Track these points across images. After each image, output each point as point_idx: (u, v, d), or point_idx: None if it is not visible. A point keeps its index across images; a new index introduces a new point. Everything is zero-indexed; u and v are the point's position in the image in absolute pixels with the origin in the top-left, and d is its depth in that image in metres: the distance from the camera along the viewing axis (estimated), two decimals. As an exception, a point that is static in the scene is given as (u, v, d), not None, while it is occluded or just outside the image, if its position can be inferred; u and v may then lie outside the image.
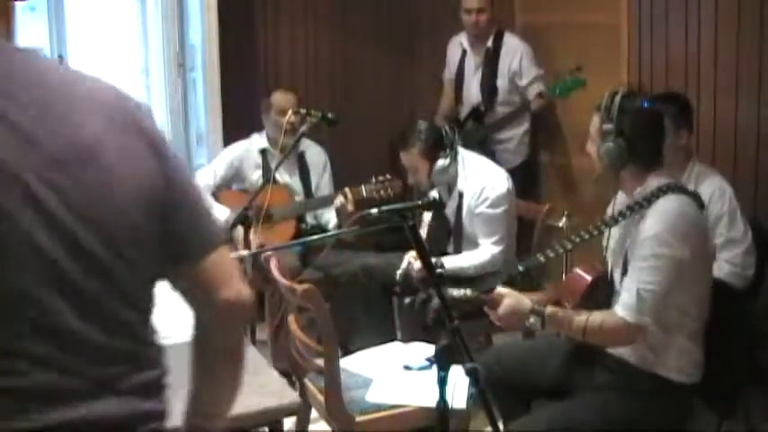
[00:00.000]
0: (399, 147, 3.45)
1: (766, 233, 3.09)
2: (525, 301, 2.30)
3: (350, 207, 3.67)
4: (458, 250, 3.48)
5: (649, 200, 2.27)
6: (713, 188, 2.97)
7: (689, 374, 2.32)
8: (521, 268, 2.36)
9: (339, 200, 3.73)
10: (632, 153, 2.27)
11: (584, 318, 2.25)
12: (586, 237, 2.37)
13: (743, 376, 2.46)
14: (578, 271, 2.45)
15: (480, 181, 3.38)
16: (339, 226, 3.84)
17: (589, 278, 2.42)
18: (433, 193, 3.62)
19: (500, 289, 2.34)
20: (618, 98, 2.28)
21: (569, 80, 3.95)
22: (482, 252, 3.37)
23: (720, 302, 2.34)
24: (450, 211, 3.50)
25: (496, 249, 3.36)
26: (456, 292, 2.27)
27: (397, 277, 3.32)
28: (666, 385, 2.30)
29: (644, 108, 2.35)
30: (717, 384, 2.36)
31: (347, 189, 3.72)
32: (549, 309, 2.29)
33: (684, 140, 3.04)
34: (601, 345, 2.35)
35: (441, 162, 3.36)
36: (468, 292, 2.30)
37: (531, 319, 2.28)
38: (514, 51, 4.31)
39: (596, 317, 2.27)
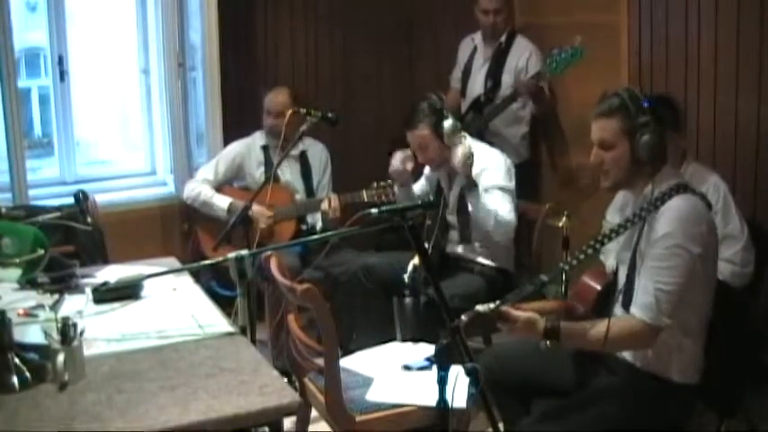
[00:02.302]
0: (406, 128, 3.43)
1: (766, 233, 3.09)
2: (539, 323, 2.24)
3: (337, 213, 3.70)
4: (464, 235, 3.48)
5: (662, 199, 2.26)
6: (708, 186, 2.98)
7: (690, 376, 2.32)
8: (545, 278, 2.33)
9: (324, 204, 3.75)
10: (663, 144, 2.28)
11: (601, 328, 2.22)
12: (606, 241, 2.34)
13: (743, 376, 2.45)
14: (588, 281, 2.45)
15: (481, 163, 3.37)
16: (324, 229, 3.86)
17: (599, 287, 2.43)
18: (423, 185, 3.64)
19: (515, 312, 2.28)
20: (638, 92, 2.28)
21: (565, 54, 3.86)
22: (508, 214, 3.33)
23: (720, 302, 2.34)
24: (452, 197, 3.49)
25: (512, 218, 3.33)
26: (481, 307, 2.27)
27: (406, 280, 3.32)
28: (668, 386, 2.30)
29: (658, 102, 2.36)
30: (717, 384, 2.36)
31: (333, 195, 3.75)
32: (564, 325, 2.24)
33: (676, 141, 3.05)
34: (621, 350, 2.33)
35: (447, 123, 3.33)
36: (492, 305, 2.28)
37: (547, 343, 2.23)
38: (524, 50, 4.32)
39: (614, 324, 2.24)
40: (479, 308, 2.25)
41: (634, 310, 2.24)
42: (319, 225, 4.03)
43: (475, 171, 3.36)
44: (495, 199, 3.33)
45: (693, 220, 2.22)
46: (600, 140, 2.33)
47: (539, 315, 2.27)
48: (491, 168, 3.37)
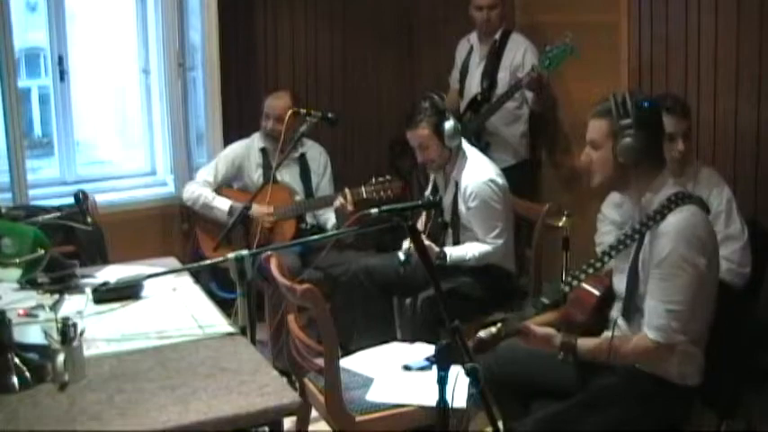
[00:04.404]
0: (406, 127, 3.43)
1: (766, 233, 3.09)
2: (556, 338, 2.32)
3: (349, 207, 3.67)
4: (455, 239, 3.49)
5: (661, 213, 2.26)
6: (711, 186, 2.98)
7: (691, 378, 2.32)
8: (546, 301, 2.36)
9: (339, 200, 3.73)
10: (648, 149, 2.28)
11: (616, 347, 2.26)
12: (606, 259, 2.36)
13: (743, 376, 2.46)
14: (586, 287, 2.45)
15: (473, 177, 3.39)
16: (338, 226, 3.84)
17: (598, 293, 2.43)
18: (428, 192, 3.68)
19: (532, 327, 2.34)
20: (628, 95, 2.28)
21: (556, 50, 3.88)
22: (484, 244, 3.38)
23: (720, 302, 2.34)
24: (447, 201, 3.50)
25: (499, 242, 3.37)
26: (483, 333, 2.29)
27: (401, 257, 3.32)
28: (669, 388, 2.31)
29: (653, 105, 2.37)
30: (717, 384, 2.36)
31: (347, 190, 3.72)
32: (579, 342, 2.30)
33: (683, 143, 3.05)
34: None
35: (448, 125, 3.35)
36: (494, 330, 2.31)
37: (562, 355, 2.30)
38: (519, 47, 4.32)
39: (627, 344, 2.27)
40: (482, 334, 2.29)
41: (647, 331, 2.25)
42: (332, 222, 4.00)
43: (467, 183, 3.38)
44: (469, 247, 3.40)
45: (695, 232, 2.23)
46: (590, 140, 2.37)
47: (554, 331, 2.33)
48: (480, 185, 3.37)
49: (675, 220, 2.24)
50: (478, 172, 3.41)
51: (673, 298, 2.21)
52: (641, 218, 2.33)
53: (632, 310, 2.35)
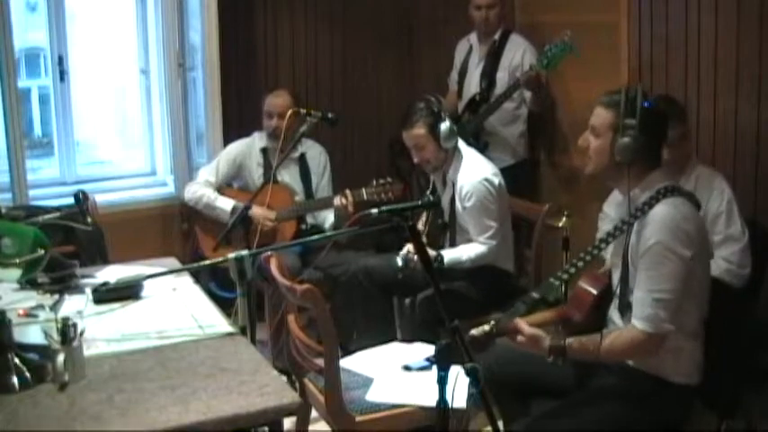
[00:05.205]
0: (402, 127, 3.45)
1: (766, 233, 3.09)
2: (545, 341, 2.31)
3: (350, 208, 3.68)
4: (453, 240, 3.50)
5: (649, 204, 2.26)
6: (712, 187, 2.98)
7: (689, 375, 2.32)
8: (536, 296, 2.36)
9: (340, 201, 3.73)
10: (645, 150, 2.28)
11: (606, 343, 2.25)
12: (595, 252, 2.37)
13: (743, 376, 2.45)
14: (584, 285, 2.45)
15: (469, 177, 3.40)
16: (337, 227, 3.85)
17: (595, 291, 2.43)
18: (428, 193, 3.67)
19: (521, 324, 2.34)
20: (639, 95, 2.28)
21: (555, 48, 3.88)
22: (478, 245, 3.38)
23: (720, 302, 2.34)
24: (445, 201, 3.51)
25: (492, 243, 3.38)
26: (475, 331, 2.29)
27: (399, 262, 3.33)
28: (667, 387, 2.31)
29: (661, 108, 2.37)
30: (717, 384, 2.36)
31: (348, 191, 3.72)
32: (568, 342, 2.29)
33: (683, 145, 3.05)
34: (627, 360, 2.35)
35: (444, 126, 3.37)
36: (486, 328, 2.31)
37: (551, 359, 2.29)
38: (518, 47, 4.31)
39: (616, 338, 2.26)
40: (474, 332, 2.29)
41: (635, 322, 2.24)
42: (330, 221, 4.01)
43: (462, 183, 3.39)
44: (464, 249, 3.41)
45: (679, 222, 2.22)
46: (592, 126, 2.37)
47: (543, 332, 2.32)
48: (475, 185, 3.37)
49: (660, 211, 2.24)
50: (474, 171, 3.41)
51: (659, 287, 2.20)
52: (630, 210, 2.33)
53: (626, 305, 2.34)
